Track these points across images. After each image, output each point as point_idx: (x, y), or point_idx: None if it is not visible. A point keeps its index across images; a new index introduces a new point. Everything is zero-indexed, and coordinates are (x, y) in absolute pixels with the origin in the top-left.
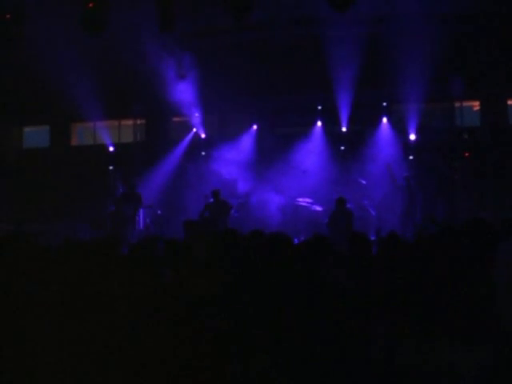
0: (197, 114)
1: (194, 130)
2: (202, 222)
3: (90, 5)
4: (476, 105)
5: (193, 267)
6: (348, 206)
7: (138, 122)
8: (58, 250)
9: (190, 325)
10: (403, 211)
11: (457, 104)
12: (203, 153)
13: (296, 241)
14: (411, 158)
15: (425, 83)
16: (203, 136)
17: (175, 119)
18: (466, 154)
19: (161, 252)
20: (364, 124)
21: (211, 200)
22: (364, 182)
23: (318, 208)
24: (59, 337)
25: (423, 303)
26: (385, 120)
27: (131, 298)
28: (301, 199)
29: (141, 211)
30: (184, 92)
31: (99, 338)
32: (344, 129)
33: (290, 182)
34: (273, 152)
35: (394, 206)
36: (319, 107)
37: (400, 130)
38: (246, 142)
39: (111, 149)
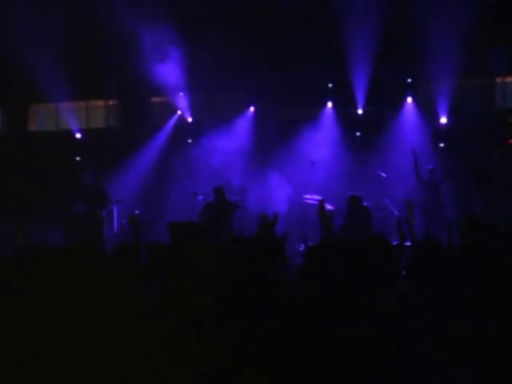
0: (182, 94)
1: (179, 112)
2: (204, 225)
3: None
4: None
5: (195, 281)
6: (365, 204)
7: (110, 102)
8: (18, 260)
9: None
10: (423, 210)
11: (498, 80)
12: (190, 140)
13: (302, 247)
14: (442, 145)
15: (458, 55)
16: (190, 120)
17: (155, 99)
18: (510, 141)
19: (143, 260)
20: (384, 105)
21: (200, 197)
22: (384, 175)
23: (330, 207)
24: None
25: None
26: (409, 100)
27: (113, 316)
28: (308, 196)
29: (114, 210)
30: (166, 67)
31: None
32: (360, 111)
33: (295, 176)
34: (274, 139)
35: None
36: (330, 85)
37: (428, 112)
38: (242, 128)
39: (78, 135)
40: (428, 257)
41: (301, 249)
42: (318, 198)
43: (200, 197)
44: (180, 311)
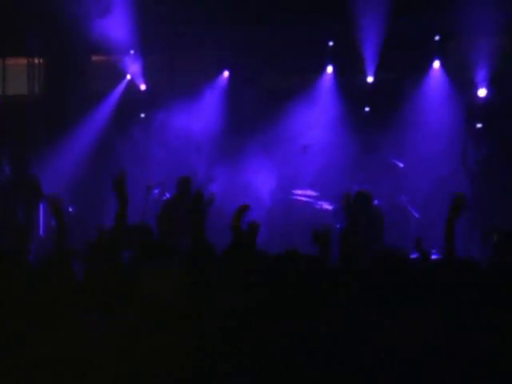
0: (132, 52)
1: (128, 77)
2: (164, 231)
3: None
4: None
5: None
6: (376, 203)
7: (36, 61)
8: None
9: None
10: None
11: None
12: (143, 115)
13: None
14: (479, 126)
15: (503, 5)
16: (143, 88)
17: (96, 58)
18: None
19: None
20: (403, 71)
21: (156, 191)
22: (401, 165)
23: (327, 206)
24: None
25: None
26: (437, 65)
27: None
28: (299, 192)
29: (40, 208)
30: (111, 18)
31: None
32: (370, 79)
33: (281, 165)
34: (254, 116)
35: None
36: (330, 43)
37: (462, 80)
38: (212, 100)
39: None
40: (452, 278)
41: None
42: (312, 193)
43: (156, 190)
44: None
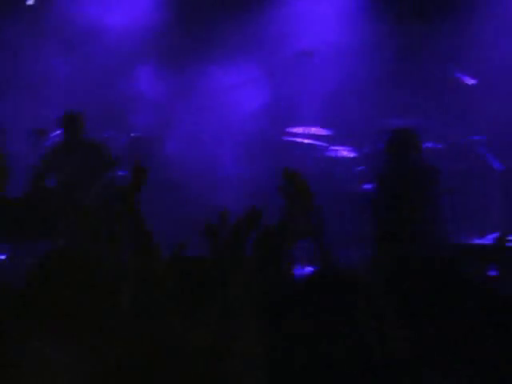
0: None
1: None
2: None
3: None
4: None
5: None
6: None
7: None
8: None
9: None
10: None
11: None
12: (31, 1)
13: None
14: None
15: None
16: None
17: None
18: None
19: None
20: None
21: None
22: (472, 81)
23: (346, 153)
24: None
25: None
26: None
27: None
28: (300, 130)
29: None
30: None
31: None
32: None
33: (270, 85)
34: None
35: None
36: None
37: None
38: None
39: None
40: None
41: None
42: (321, 132)
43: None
44: None
